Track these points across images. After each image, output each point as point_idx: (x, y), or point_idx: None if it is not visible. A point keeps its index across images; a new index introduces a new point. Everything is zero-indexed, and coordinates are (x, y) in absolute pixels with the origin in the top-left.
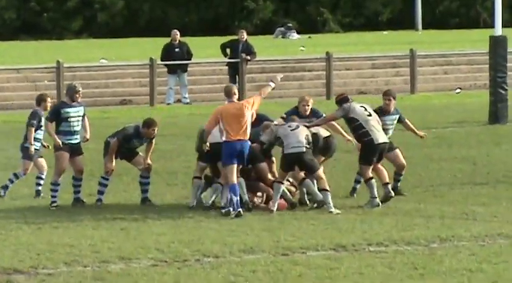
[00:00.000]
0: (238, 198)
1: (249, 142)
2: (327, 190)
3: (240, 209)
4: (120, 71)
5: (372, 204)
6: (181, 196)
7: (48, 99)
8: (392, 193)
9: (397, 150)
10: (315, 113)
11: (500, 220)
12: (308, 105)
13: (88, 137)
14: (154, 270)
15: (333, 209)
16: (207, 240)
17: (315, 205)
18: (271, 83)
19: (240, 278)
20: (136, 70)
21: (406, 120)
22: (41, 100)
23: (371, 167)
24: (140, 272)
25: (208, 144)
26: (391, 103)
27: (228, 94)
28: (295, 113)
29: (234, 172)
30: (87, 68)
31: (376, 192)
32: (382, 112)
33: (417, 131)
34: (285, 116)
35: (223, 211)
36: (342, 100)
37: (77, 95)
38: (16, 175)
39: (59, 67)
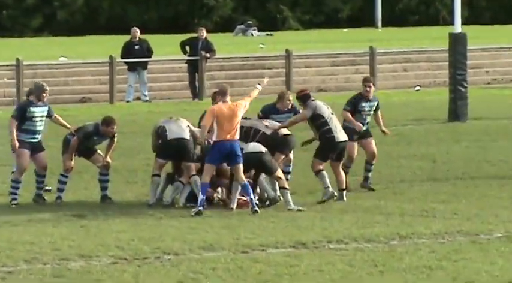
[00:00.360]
0: (204, 197)
1: (237, 142)
2: (286, 188)
3: (201, 208)
4: (79, 68)
5: (327, 195)
6: (141, 194)
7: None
8: (344, 200)
9: (371, 139)
10: (294, 108)
11: (460, 217)
12: (290, 100)
13: (70, 126)
14: (114, 268)
15: (292, 206)
16: (167, 237)
17: (267, 202)
18: (258, 86)
19: (200, 275)
20: (96, 68)
21: (379, 112)
22: (31, 93)
23: (323, 164)
24: (100, 270)
25: (206, 141)
26: (371, 90)
27: (224, 93)
28: (273, 108)
29: (210, 172)
30: (47, 66)
31: (328, 182)
32: (361, 98)
33: (382, 126)
34: (261, 114)
35: (193, 212)
36: (304, 96)
37: (44, 94)
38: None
39: (19, 65)
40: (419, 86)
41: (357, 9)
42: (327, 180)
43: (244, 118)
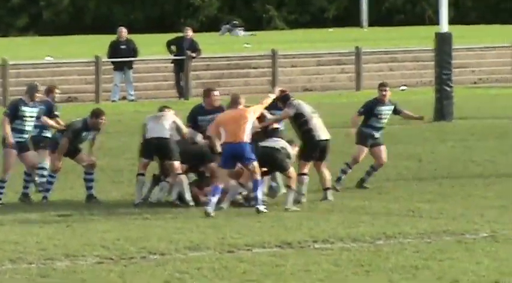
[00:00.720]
0: (215, 199)
1: (246, 144)
2: (291, 188)
3: (210, 208)
4: (65, 68)
5: (295, 199)
6: (127, 194)
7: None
8: (331, 199)
9: (383, 147)
10: None
11: (446, 217)
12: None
13: (59, 126)
14: (100, 267)
15: (289, 206)
16: (153, 237)
17: (253, 202)
18: (271, 95)
19: (186, 275)
20: (82, 67)
21: (405, 111)
22: (49, 91)
23: (309, 164)
24: (86, 269)
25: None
26: (387, 94)
27: (234, 102)
28: (275, 105)
29: (223, 176)
30: (32, 66)
31: (303, 190)
32: (378, 103)
33: (415, 115)
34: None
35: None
36: (284, 97)
37: (37, 94)
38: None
39: (5, 64)
40: (405, 85)
41: (343, 8)
42: (304, 187)
43: None
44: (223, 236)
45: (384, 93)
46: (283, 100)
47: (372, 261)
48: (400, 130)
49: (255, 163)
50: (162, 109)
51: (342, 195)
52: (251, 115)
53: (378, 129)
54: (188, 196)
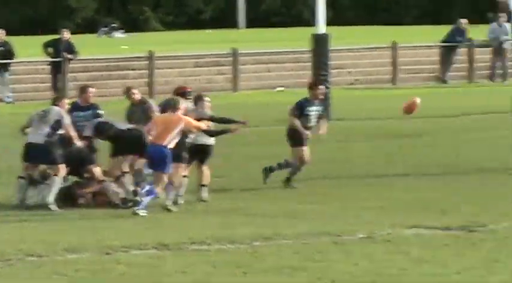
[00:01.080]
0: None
1: (165, 148)
2: (173, 184)
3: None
4: None
5: (175, 204)
6: (5, 196)
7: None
8: (206, 199)
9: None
10: None
11: (323, 218)
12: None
13: None
14: None
15: (169, 204)
16: (30, 239)
17: (130, 203)
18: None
19: (64, 277)
20: None
21: (324, 119)
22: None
23: (189, 166)
24: None
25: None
26: (322, 92)
27: (172, 108)
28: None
29: (157, 178)
30: None
31: (182, 192)
32: (307, 102)
33: (319, 129)
34: None
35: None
36: (183, 93)
37: None
38: None
39: None
40: (282, 86)
41: (219, 10)
42: (183, 189)
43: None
44: (101, 238)
45: (317, 92)
46: (182, 96)
47: (249, 262)
48: (276, 131)
49: (164, 176)
50: (55, 101)
51: (219, 197)
52: (181, 123)
53: (308, 128)
54: (51, 198)
